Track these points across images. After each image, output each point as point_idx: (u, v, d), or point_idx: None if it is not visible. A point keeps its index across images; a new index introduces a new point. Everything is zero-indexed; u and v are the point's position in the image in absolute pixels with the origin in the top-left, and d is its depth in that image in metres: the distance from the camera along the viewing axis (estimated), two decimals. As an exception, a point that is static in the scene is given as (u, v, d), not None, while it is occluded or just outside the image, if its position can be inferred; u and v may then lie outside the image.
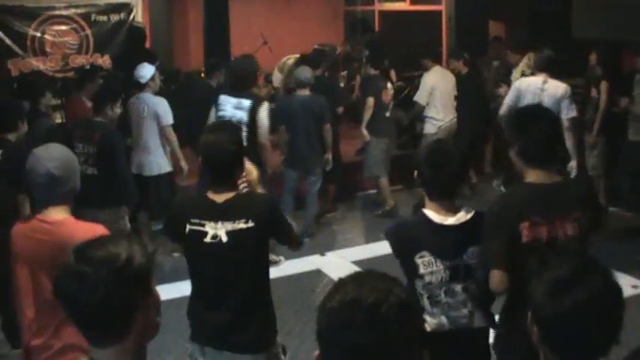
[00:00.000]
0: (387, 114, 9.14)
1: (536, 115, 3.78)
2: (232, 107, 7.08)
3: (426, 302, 3.56)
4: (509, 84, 9.24)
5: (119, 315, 2.03)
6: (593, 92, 9.03)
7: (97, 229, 3.36)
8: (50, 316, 3.38)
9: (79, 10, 10.64)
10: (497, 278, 3.50)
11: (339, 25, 13.96)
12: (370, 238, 8.50)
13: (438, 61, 9.62)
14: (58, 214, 3.45)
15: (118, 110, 6.69)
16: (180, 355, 5.84)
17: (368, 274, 1.78)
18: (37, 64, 10.36)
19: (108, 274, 1.98)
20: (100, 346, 2.05)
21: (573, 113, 7.70)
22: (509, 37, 11.87)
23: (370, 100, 8.89)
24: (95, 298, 1.96)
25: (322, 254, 8.06)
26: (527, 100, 7.54)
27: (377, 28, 13.73)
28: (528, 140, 3.64)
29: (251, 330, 3.80)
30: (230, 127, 4.23)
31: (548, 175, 3.63)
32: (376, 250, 8.15)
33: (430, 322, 3.56)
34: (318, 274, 7.51)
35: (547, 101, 7.87)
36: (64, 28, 10.54)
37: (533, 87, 7.73)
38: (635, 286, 6.55)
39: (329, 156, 8.30)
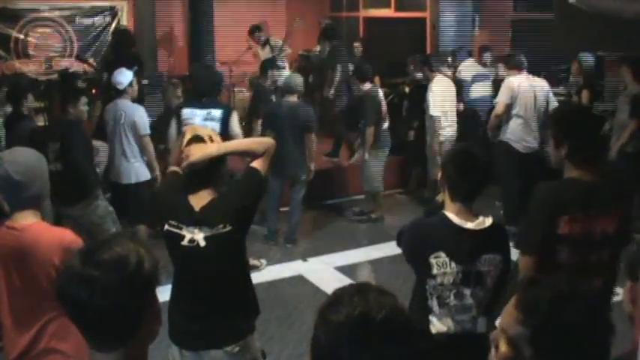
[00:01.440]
0: (386, 125, 9.03)
1: (585, 116, 3.88)
2: (201, 119, 6.87)
3: (434, 303, 3.58)
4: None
5: (127, 320, 1.98)
6: (575, 100, 9.16)
7: (65, 235, 3.35)
8: (29, 320, 3.36)
9: (63, 13, 10.65)
10: (527, 264, 3.66)
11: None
12: (353, 244, 8.50)
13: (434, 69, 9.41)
14: (26, 219, 3.37)
15: (83, 108, 6.76)
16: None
17: (368, 287, 1.75)
18: (20, 66, 10.35)
19: (118, 278, 1.93)
20: (103, 350, 2.01)
21: (556, 103, 8.27)
22: (493, 45, 11.94)
23: (371, 129, 8.75)
24: (104, 304, 1.91)
25: (304, 260, 8.06)
26: (522, 97, 8.07)
27: (361, 35, 13.76)
28: (580, 140, 3.70)
29: (225, 324, 3.82)
30: (207, 134, 4.17)
31: (591, 173, 3.71)
32: (359, 256, 8.19)
33: (436, 324, 3.59)
34: (300, 279, 7.51)
35: (540, 95, 8.25)
36: (47, 30, 10.54)
37: (524, 84, 8.18)
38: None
39: (312, 165, 8.26)
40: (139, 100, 7.57)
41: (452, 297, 3.56)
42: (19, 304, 3.38)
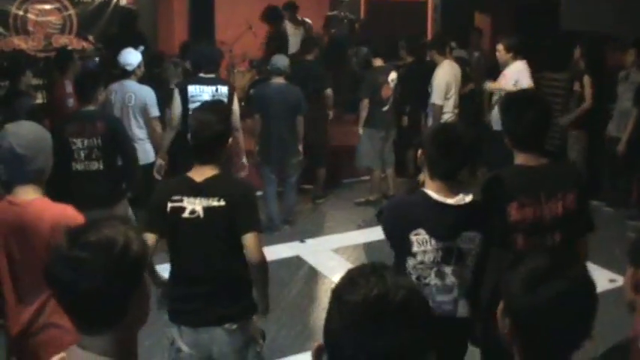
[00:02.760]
0: (385, 108, 8.95)
1: (529, 101, 3.82)
2: (210, 96, 6.85)
3: (414, 283, 3.56)
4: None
5: (115, 303, 1.95)
6: (576, 86, 9.12)
7: (67, 211, 3.34)
8: (31, 295, 3.37)
9: (63, -10, 10.57)
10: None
11: (324, 12, 13.89)
12: (351, 226, 8.50)
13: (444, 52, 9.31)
14: (27, 195, 3.37)
15: (102, 96, 6.36)
16: (158, 339, 5.85)
17: (384, 267, 1.69)
18: (19, 43, 10.29)
19: (105, 260, 1.91)
20: (91, 333, 1.98)
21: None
22: (496, 28, 11.89)
23: (365, 102, 8.80)
24: (92, 285, 1.89)
25: (302, 241, 8.05)
26: (524, 82, 7.99)
27: (362, 16, 13.70)
28: (519, 124, 3.70)
29: (224, 303, 3.87)
30: (220, 108, 4.23)
31: (536, 158, 3.71)
32: (356, 238, 8.18)
33: None
34: (297, 260, 7.51)
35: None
36: (47, 7, 10.47)
37: (524, 71, 8.18)
38: (612, 280, 6.57)
39: (300, 147, 8.22)
40: (140, 80, 7.48)
41: (432, 275, 3.53)
42: (20, 279, 3.39)
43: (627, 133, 8.76)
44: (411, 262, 3.52)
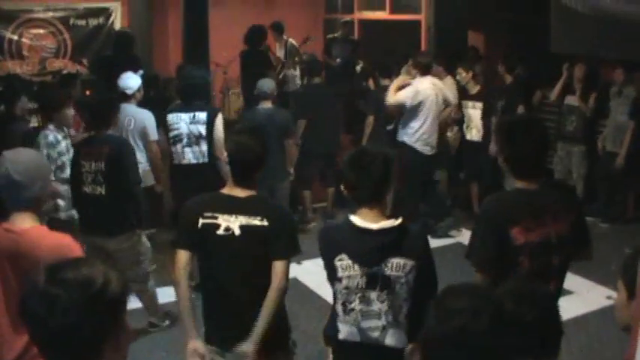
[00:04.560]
0: (389, 127, 9.02)
1: (529, 128, 3.78)
2: (186, 123, 6.81)
3: (339, 308, 3.56)
4: None
5: (87, 343, 1.92)
6: (570, 100, 9.29)
7: (65, 240, 3.30)
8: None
9: (57, 14, 10.62)
10: (481, 281, 3.62)
11: (319, 33, 13.96)
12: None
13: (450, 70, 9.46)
14: (24, 222, 3.35)
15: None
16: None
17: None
18: (14, 67, 10.31)
19: (81, 299, 1.89)
20: None
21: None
22: (489, 47, 11.94)
23: (370, 119, 8.90)
24: (64, 323, 1.87)
25: (299, 263, 8.02)
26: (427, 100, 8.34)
27: (357, 37, 13.75)
28: (521, 153, 3.69)
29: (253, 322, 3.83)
30: (255, 130, 4.26)
31: (534, 182, 3.70)
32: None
33: (342, 330, 3.57)
34: (294, 282, 7.47)
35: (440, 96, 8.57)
36: (42, 31, 10.51)
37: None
38: (609, 297, 6.58)
39: (292, 170, 8.24)
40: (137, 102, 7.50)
41: (357, 301, 3.51)
42: (15, 307, 3.35)
43: (625, 147, 8.81)
44: (337, 287, 3.54)
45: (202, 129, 6.77)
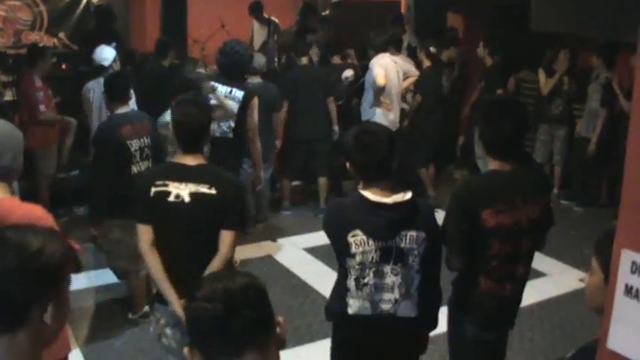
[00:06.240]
0: (339, 103, 9.14)
1: (508, 109, 3.80)
2: (222, 96, 6.78)
3: (352, 283, 3.56)
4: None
5: (12, 305, 1.94)
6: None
7: (37, 212, 3.21)
8: None
9: (33, -14, 10.45)
10: (456, 262, 3.75)
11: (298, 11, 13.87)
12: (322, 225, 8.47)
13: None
14: None
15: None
16: (128, 339, 5.81)
17: None
18: (-13, 39, 10.16)
19: (12, 260, 1.92)
20: None
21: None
22: (469, 28, 11.93)
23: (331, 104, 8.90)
24: None
25: (274, 240, 8.05)
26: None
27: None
28: (497, 134, 3.70)
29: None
30: (199, 99, 4.46)
31: (510, 163, 3.72)
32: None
33: (352, 305, 3.57)
34: (269, 260, 7.50)
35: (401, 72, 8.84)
36: (17, 3, 10.34)
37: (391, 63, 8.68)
38: (582, 280, 6.62)
39: (278, 143, 8.35)
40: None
41: (371, 275, 3.53)
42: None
43: (597, 134, 8.87)
44: (350, 263, 3.54)
45: (235, 107, 6.74)
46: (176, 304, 3.88)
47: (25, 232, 1.99)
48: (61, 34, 10.64)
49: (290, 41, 10.61)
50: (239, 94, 6.79)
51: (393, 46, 9.01)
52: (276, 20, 11.85)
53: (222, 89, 6.79)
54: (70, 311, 2.14)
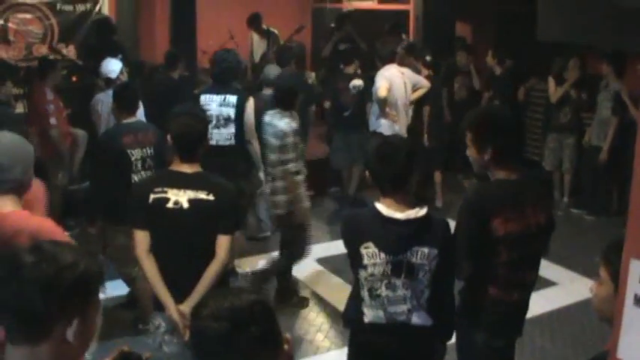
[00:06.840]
0: (346, 114, 9.23)
1: (503, 118, 3.86)
2: (217, 105, 6.80)
3: (366, 294, 3.61)
4: None
5: (35, 317, 1.93)
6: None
7: (47, 225, 3.25)
8: None
9: (44, -1, 10.50)
10: (466, 269, 3.73)
11: (307, 22, 13.90)
12: (335, 235, 8.45)
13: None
14: (5, 206, 3.27)
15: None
16: None
17: None
18: (-1, 52, 10.20)
19: (45, 270, 1.92)
20: (14, 343, 1.97)
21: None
22: (477, 37, 11.94)
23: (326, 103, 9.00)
24: (14, 290, 1.91)
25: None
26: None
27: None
28: (503, 143, 3.71)
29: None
30: (195, 110, 4.54)
31: (516, 170, 3.75)
32: (341, 247, 8.11)
33: (367, 314, 3.63)
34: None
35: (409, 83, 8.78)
36: (28, 16, 10.37)
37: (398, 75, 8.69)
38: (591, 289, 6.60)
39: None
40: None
41: (383, 288, 3.58)
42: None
43: (608, 142, 8.84)
44: (362, 274, 3.59)
45: (232, 112, 6.77)
46: (172, 309, 3.94)
47: (60, 245, 2.02)
48: (71, 47, 10.67)
49: (327, 52, 11.24)
50: (232, 98, 6.83)
51: (409, 52, 9.16)
52: (276, 31, 11.87)
53: (216, 98, 6.84)
54: (96, 331, 2.13)
